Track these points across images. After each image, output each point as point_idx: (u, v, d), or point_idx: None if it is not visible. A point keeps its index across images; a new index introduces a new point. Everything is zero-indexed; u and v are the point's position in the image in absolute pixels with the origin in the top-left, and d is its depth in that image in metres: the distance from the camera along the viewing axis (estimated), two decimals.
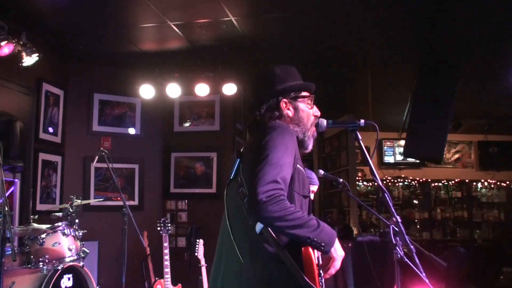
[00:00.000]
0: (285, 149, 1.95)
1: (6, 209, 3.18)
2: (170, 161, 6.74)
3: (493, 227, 10.15)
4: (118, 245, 4.83)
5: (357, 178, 9.52)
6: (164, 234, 5.06)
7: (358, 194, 9.68)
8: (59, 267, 3.82)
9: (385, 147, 10.16)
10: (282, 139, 1.98)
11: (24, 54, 4.61)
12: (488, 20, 4.86)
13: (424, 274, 1.98)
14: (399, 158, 10.09)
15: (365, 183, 10.23)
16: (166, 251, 5.02)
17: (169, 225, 5.13)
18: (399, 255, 2.03)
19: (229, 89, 6.14)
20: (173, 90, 6.22)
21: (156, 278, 5.34)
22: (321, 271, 1.99)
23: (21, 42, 4.57)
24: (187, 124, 6.79)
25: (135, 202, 6.44)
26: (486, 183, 10.37)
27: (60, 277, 3.85)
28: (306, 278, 1.82)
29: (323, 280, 2.03)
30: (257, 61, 5.93)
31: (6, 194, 3.61)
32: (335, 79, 6.88)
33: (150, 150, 6.66)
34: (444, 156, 7.66)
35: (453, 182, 10.31)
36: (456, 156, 10.48)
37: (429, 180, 10.28)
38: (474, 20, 4.84)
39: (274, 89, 2.17)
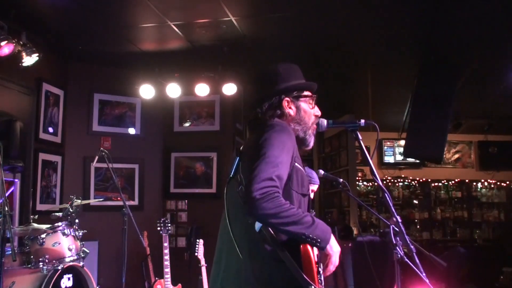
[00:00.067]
0: (282, 147, 1.95)
1: (6, 209, 3.18)
2: (170, 161, 6.74)
3: (493, 227, 10.15)
4: (118, 245, 4.83)
5: (357, 178, 9.52)
6: (164, 234, 5.06)
7: (358, 194, 9.68)
8: (59, 267, 3.81)
9: (385, 147, 10.16)
10: (280, 137, 1.99)
11: (24, 54, 4.61)
12: (488, 20, 4.86)
13: (424, 274, 1.98)
14: (399, 158, 10.09)
15: (365, 183, 10.23)
16: (166, 251, 5.02)
17: (169, 225, 5.13)
18: (399, 255, 2.03)
19: (229, 89, 6.14)
20: (173, 90, 6.22)
21: (156, 278, 5.34)
22: (320, 269, 1.99)
23: (21, 42, 4.57)
24: (187, 124, 6.79)
25: (135, 202, 6.44)
26: (486, 183, 10.37)
27: (60, 277, 3.85)
28: (305, 277, 1.82)
29: (322, 278, 2.03)
30: (257, 61, 5.93)
31: (6, 194, 3.61)
32: (335, 79, 6.88)
33: (150, 150, 6.66)
34: (444, 156, 7.66)
35: (453, 182, 10.31)
36: (456, 156, 10.48)
37: (429, 180, 10.28)
38: (474, 20, 4.84)
39: (277, 88, 2.17)
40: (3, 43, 4.34)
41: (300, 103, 2.20)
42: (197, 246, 4.89)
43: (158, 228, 5.10)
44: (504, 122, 8.86)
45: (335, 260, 1.96)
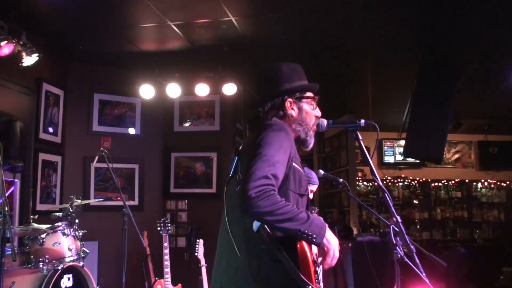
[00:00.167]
0: (279, 146, 1.96)
1: (6, 209, 3.18)
2: (170, 161, 6.74)
3: (493, 227, 10.15)
4: (118, 245, 4.83)
5: (357, 178, 9.52)
6: (164, 234, 5.06)
7: (358, 194, 9.68)
8: (59, 267, 3.81)
9: (385, 147, 10.16)
10: (277, 137, 1.99)
11: (24, 54, 4.61)
12: (488, 20, 4.86)
13: (424, 274, 1.98)
14: (399, 158, 10.09)
15: (365, 183, 10.23)
16: (166, 251, 5.02)
17: (169, 225, 5.13)
18: (399, 255, 2.03)
19: (229, 89, 6.14)
20: (173, 90, 6.22)
21: (156, 278, 5.34)
22: (317, 269, 1.99)
23: (21, 42, 4.57)
24: (187, 124, 6.79)
25: (135, 202, 6.44)
26: (486, 183, 10.37)
27: (60, 277, 3.85)
28: (303, 277, 1.83)
29: (320, 278, 2.03)
30: (257, 61, 5.93)
31: (6, 194, 3.62)
32: (335, 79, 6.88)
33: (150, 150, 6.66)
34: (444, 156, 7.66)
35: (453, 182, 10.31)
36: (456, 156, 10.49)
37: (429, 180, 10.29)
38: (474, 20, 4.84)
39: (280, 88, 2.18)
40: (3, 43, 4.34)
41: (302, 104, 2.21)
42: (197, 246, 4.89)
43: (158, 228, 5.10)
44: (504, 122, 8.86)
45: (333, 253, 1.95)
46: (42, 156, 5.47)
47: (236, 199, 1.97)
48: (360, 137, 2.21)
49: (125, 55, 5.92)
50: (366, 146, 2.19)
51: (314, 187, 3.74)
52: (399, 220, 2.05)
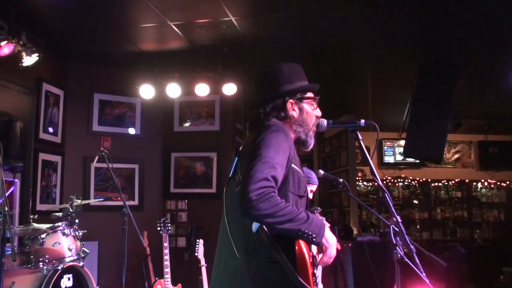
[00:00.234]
0: (278, 148, 1.96)
1: (6, 209, 3.18)
2: (170, 161, 6.74)
3: (493, 227, 10.15)
4: (118, 245, 4.83)
5: (357, 178, 9.52)
6: (164, 234, 5.06)
7: (358, 194, 9.68)
8: (59, 267, 3.81)
9: (385, 147, 10.16)
10: (276, 138, 2.00)
11: (24, 54, 4.61)
12: (488, 20, 4.86)
13: (424, 274, 1.98)
14: (399, 158, 10.09)
15: (365, 183, 10.23)
16: (166, 251, 5.02)
17: (169, 225, 5.13)
18: (399, 255, 2.03)
19: (229, 89, 6.14)
20: (173, 90, 6.22)
21: (156, 278, 5.34)
22: (315, 271, 2.00)
23: (21, 42, 4.57)
24: (187, 124, 6.79)
25: (135, 202, 6.44)
26: (486, 183, 10.37)
27: (60, 277, 3.85)
28: (300, 279, 1.84)
29: (317, 280, 2.04)
30: (257, 61, 5.93)
31: (6, 194, 3.61)
32: (335, 79, 6.88)
33: (150, 150, 6.66)
34: (444, 156, 7.66)
35: (453, 182, 10.31)
36: (456, 156, 10.49)
37: (429, 180, 10.28)
38: (474, 20, 4.84)
39: (281, 89, 2.18)
40: (3, 43, 4.34)
41: (303, 105, 2.21)
42: (197, 246, 4.89)
43: (158, 228, 5.10)
44: (504, 122, 8.86)
45: (331, 252, 1.98)
46: (42, 156, 5.47)
47: (235, 199, 1.98)
48: (360, 137, 2.21)
49: (125, 55, 5.92)
50: (366, 146, 2.19)
51: (313, 187, 3.74)
52: (399, 220, 2.06)
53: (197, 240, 4.94)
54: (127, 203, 4.75)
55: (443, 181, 10.30)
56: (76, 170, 6.08)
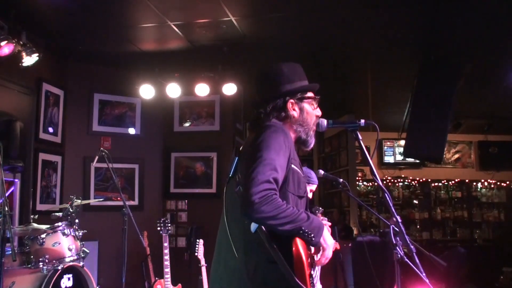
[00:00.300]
0: (279, 149, 1.97)
1: (6, 209, 3.18)
2: (170, 161, 6.74)
3: (493, 227, 10.15)
4: (118, 245, 4.83)
5: (357, 178, 9.52)
6: (164, 234, 5.06)
7: (358, 194, 9.68)
8: (59, 267, 3.81)
9: (385, 147, 10.16)
10: (276, 139, 2.00)
11: (24, 54, 4.61)
12: (488, 20, 4.86)
13: (424, 274, 1.98)
14: (399, 158, 10.09)
15: (365, 183, 10.23)
16: (166, 251, 5.02)
17: (169, 225, 5.13)
18: (399, 255, 2.03)
19: (229, 89, 6.14)
20: (173, 90, 6.22)
21: (156, 278, 5.34)
22: (312, 272, 2.01)
23: (21, 42, 4.57)
24: (187, 124, 6.79)
25: (135, 202, 6.44)
26: (486, 183, 10.37)
27: (60, 277, 3.85)
28: (297, 280, 1.84)
29: (314, 281, 2.04)
30: (257, 61, 5.93)
31: (6, 194, 3.61)
32: (335, 79, 6.88)
33: (150, 150, 6.66)
34: (444, 156, 7.66)
35: (453, 182, 10.31)
36: (456, 156, 10.49)
37: (429, 180, 10.28)
38: (474, 20, 4.84)
39: (281, 89, 2.18)
40: (3, 43, 4.34)
41: (304, 105, 2.21)
42: (197, 246, 4.89)
43: (158, 228, 5.09)
44: (504, 122, 8.86)
45: (328, 252, 2.01)
46: (42, 156, 5.47)
47: (235, 199, 1.98)
48: (360, 137, 2.21)
49: (125, 55, 5.92)
50: (366, 146, 2.19)
51: (313, 187, 3.74)
52: (399, 220, 2.06)
53: (197, 240, 4.94)
54: (127, 203, 4.74)
55: (443, 181, 10.30)
56: (76, 170, 6.08)
